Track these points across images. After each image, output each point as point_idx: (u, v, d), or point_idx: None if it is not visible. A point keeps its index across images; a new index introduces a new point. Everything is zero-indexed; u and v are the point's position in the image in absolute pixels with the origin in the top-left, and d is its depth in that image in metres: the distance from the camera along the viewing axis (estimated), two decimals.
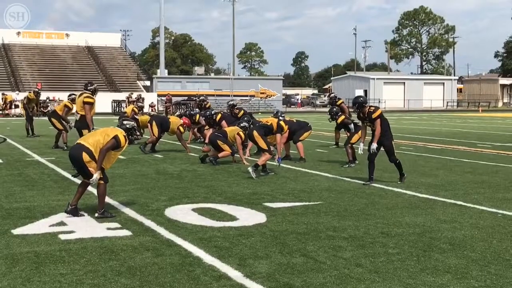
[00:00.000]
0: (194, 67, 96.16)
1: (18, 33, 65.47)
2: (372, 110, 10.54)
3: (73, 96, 18.44)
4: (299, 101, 78.29)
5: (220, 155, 13.29)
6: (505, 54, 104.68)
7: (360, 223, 7.20)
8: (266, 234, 6.60)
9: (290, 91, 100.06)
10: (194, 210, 7.93)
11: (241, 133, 13.32)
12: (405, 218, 7.49)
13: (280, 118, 13.14)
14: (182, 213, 7.72)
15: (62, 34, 68.89)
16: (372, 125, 10.51)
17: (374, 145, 10.33)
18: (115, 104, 49.17)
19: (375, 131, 10.44)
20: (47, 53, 64.39)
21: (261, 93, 66.14)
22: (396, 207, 8.24)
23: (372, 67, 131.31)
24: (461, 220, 7.35)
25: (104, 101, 50.27)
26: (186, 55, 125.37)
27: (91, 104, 11.96)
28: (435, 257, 5.73)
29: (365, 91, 71.34)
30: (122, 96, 50.24)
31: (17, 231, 6.71)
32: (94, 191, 9.12)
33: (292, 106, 73.38)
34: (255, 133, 11.95)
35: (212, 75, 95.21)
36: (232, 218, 7.44)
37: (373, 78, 73.82)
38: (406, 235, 6.61)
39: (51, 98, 47.39)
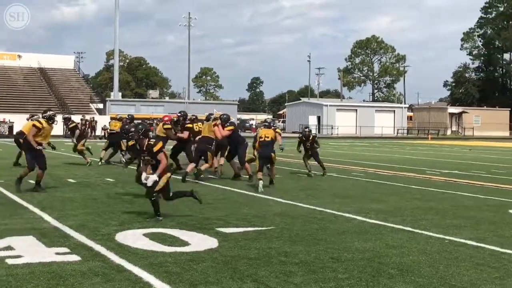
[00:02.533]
0: (148, 91, 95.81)
1: None
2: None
3: (36, 115, 18.31)
4: (254, 126, 78.67)
5: (202, 168, 14.51)
6: (453, 84, 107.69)
7: (311, 248, 7.27)
8: (218, 259, 6.60)
9: (245, 116, 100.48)
10: (145, 235, 7.87)
11: (215, 125, 14.66)
12: (355, 243, 7.60)
13: (273, 126, 15.11)
14: (133, 238, 7.65)
15: (14, 55, 67.81)
16: None
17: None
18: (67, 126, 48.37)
19: None
20: None
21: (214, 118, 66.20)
22: (347, 232, 8.34)
23: (325, 94, 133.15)
24: (409, 246, 7.50)
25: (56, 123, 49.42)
26: (140, 78, 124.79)
27: (37, 129, 11.96)
28: (383, 282, 5.82)
29: (318, 118, 72.29)
30: (74, 118, 49.46)
31: None
32: (44, 215, 9.00)
33: (246, 131, 73.63)
34: (273, 155, 13.68)
35: (167, 98, 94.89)
36: (184, 243, 7.41)
37: (326, 105, 74.86)
38: (356, 260, 6.70)
39: (1, 120, 46.45)
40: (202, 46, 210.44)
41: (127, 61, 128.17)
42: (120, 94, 73.86)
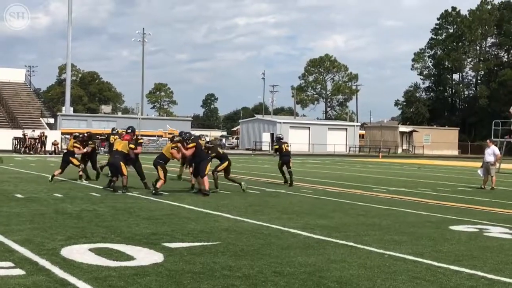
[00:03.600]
0: (101, 106, 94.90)
1: None
2: None
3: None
4: None
5: (158, 185, 15.01)
6: (404, 103, 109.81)
7: (255, 262, 7.42)
8: (162, 273, 6.70)
9: (199, 132, 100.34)
10: (91, 250, 7.90)
11: (175, 146, 15.44)
12: (298, 258, 7.79)
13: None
14: (79, 253, 7.68)
15: None
16: None
17: None
18: (16, 141, 47.60)
19: None
20: None
21: (169, 133, 66.02)
22: (291, 247, 8.54)
23: (279, 111, 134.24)
24: (350, 260, 7.73)
25: (4, 138, 48.60)
26: (93, 93, 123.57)
27: None
28: None
29: (272, 135, 72.78)
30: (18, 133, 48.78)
31: None
32: None
33: None
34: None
35: (120, 114, 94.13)
36: (129, 258, 7.48)
37: (280, 122, 75.56)
38: (298, 274, 6.88)
39: None
40: (157, 61, 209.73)
41: (80, 75, 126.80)
42: (71, 109, 73.04)
